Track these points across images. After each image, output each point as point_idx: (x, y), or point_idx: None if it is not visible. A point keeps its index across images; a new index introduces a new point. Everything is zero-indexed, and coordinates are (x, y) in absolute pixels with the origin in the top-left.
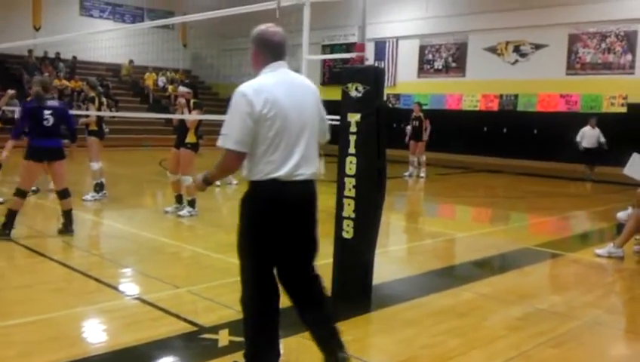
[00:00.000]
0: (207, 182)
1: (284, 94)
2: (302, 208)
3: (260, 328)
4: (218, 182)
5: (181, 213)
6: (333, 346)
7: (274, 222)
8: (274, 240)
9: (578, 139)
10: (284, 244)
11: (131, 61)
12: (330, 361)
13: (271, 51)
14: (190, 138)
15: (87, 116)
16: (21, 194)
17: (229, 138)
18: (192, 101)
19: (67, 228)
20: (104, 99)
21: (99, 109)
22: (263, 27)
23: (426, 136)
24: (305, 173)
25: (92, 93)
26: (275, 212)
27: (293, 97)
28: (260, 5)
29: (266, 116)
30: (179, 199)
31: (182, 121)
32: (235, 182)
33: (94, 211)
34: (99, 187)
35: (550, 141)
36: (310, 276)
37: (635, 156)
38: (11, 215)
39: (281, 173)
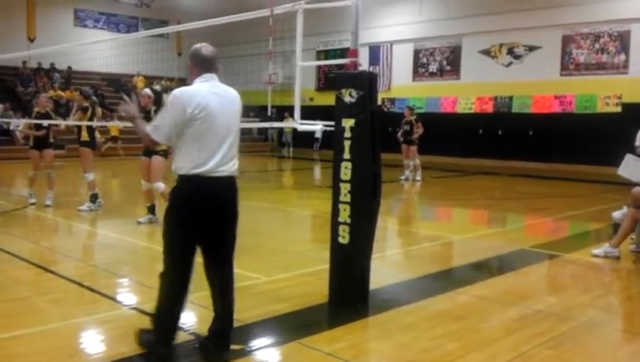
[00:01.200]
0: (133, 120)
1: (214, 101)
2: (221, 202)
3: (169, 301)
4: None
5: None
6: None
7: (194, 213)
8: (193, 229)
9: (637, 143)
10: (203, 234)
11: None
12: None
13: (203, 65)
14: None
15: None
16: None
17: (159, 131)
18: (153, 108)
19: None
20: (99, 109)
21: (91, 119)
22: (198, 45)
23: (414, 137)
24: (225, 170)
25: (85, 103)
26: (196, 204)
27: (222, 104)
28: (253, 13)
29: (196, 117)
30: (152, 209)
31: None
32: None
33: (90, 221)
34: (94, 197)
35: (546, 142)
36: (226, 272)
37: (628, 157)
38: None
39: (203, 169)
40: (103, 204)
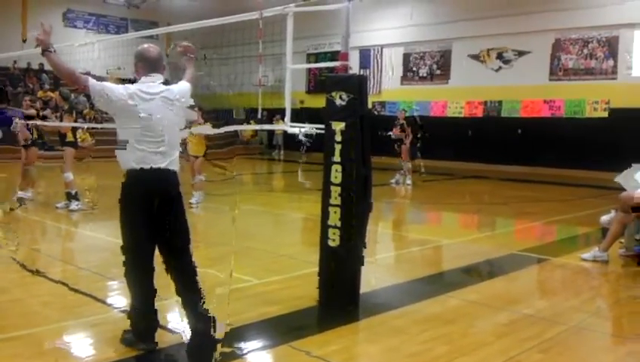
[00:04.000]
0: (46, 48)
1: (155, 99)
2: (165, 193)
3: (134, 280)
4: (193, 200)
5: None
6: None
7: (142, 203)
8: (142, 218)
9: None
10: (153, 224)
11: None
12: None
13: (149, 64)
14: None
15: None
16: None
17: (94, 82)
18: None
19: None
20: (88, 110)
21: (76, 120)
22: (145, 46)
23: (407, 141)
24: (164, 162)
25: (65, 105)
26: (144, 195)
27: (161, 102)
28: (243, 15)
29: (135, 109)
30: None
31: None
32: (194, 200)
33: (80, 224)
34: (73, 197)
35: (534, 146)
36: (183, 262)
37: (635, 167)
38: None
39: (146, 162)
40: (96, 205)
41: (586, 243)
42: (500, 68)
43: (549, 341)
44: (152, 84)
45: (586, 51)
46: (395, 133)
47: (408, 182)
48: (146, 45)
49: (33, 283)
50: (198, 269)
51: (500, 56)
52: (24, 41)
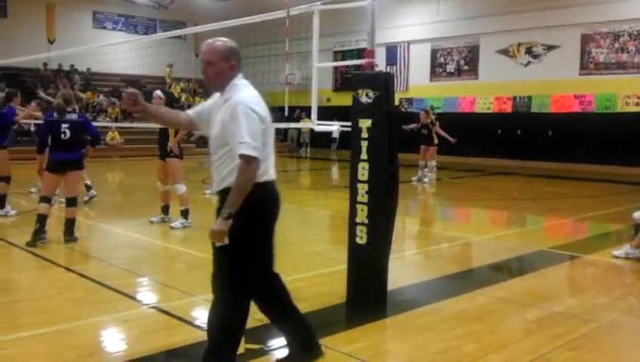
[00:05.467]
0: (231, 216)
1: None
2: (279, 204)
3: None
4: (208, 190)
5: (173, 224)
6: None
7: (273, 221)
8: (271, 238)
9: None
10: (271, 238)
11: (170, 65)
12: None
13: (240, 65)
14: (173, 145)
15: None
16: (45, 200)
17: (249, 145)
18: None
19: (68, 236)
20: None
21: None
22: (231, 41)
23: (436, 139)
24: (275, 174)
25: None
26: (275, 210)
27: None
28: (270, 14)
29: (266, 121)
30: (165, 210)
31: (162, 130)
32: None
33: (110, 221)
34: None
35: (565, 142)
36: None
37: None
38: (41, 219)
39: (271, 173)
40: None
41: (618, 240)
42: (529, 63)
43: (580, 338)
44: (248, 85)
45: (617, 45)
46: (437, 130)
47: (426, 179)
48: (232, 41)
49: (63, 279)
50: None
51: (529, 51)
52: (51, 42)
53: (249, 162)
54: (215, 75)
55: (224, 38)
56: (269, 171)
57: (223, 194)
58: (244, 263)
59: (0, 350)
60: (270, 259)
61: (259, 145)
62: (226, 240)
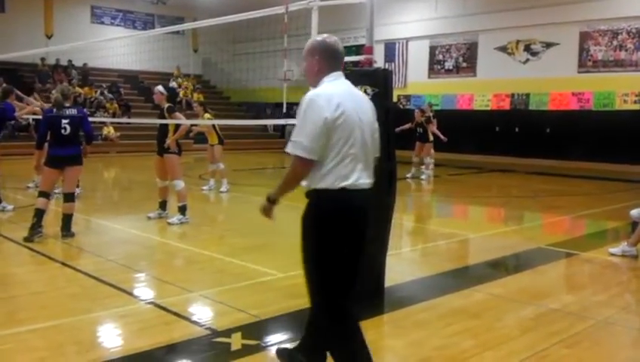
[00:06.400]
0: (273, 201)
1: (350, 103)
2: (365, 217)
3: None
4: (206, 186)
5: (170, 220)
6: None
7: (346, 232)
8: (347, 252)
9: None
10: (350, 257)
11: (178, 67)
12: None
13: (334, 60)
14: (171, 143)
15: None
16: (43, 195)
17: (299, 145)
18: (166, 106)
19: (65, 232)
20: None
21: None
22: (322, 37)
23: (432, 137)
24: (366, 182)
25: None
26: (346, 221)
27: (357, 108)
28: (268, 10)
29: (336, 123)
30: (163, 205)
31: (161, 127)
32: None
33: (107, 216)
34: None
35: (563, 139)
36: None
37: None
38: (38, 214)
39: (349, 181)
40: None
41: (614, 237)
42: (528, 60)
43: (576, 336)
44: (337, 82)
45: (615, 42)
46: (432, 128)
47: (423, 177)
48: (322, 37)
49: (60, 274)
50: (224, 258)
51: (527, 49)
52: (49, 37)
53: (297, 162)
54: (306, 71)
55: (323, 35)
56: (342, 177)
57: (307, 196)
58: (315, 282)
59: (0, 345)
60: (336, 285)
61: (313, 146)
62: (273, 218)
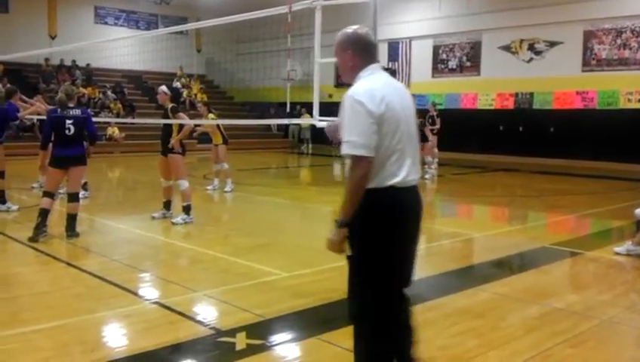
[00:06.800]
0: (345, 224)
1: (394, 96)
2: (416, 216)
3: None
4: (210, 186)
5: (175, 220)
6: None
7: (396, 233)
8: (396, 253)
9: None
10: (400, 258)
11: (181, 67)
12: None
13: (368, 53)
14: (175, 143)
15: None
16: (47, 195)
17: (354, 144)
18: (169, 106)
19: (69, 232)
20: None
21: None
22: (352, 29)
23: (432, 137)
24: (415, 178)
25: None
26: (397, 221)
27: (401, 100)
28: (271, 10)
29: (383, 117)
30: (167, 205)
31: (165, 127)
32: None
33: (111, 216)
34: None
35: (567, 138)
36: (405, 297)
37: None
38: (43, 214)
39: (397, 179)
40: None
41: (619, 236)
42: (532, 59)
43: (581, 335)
44: (376, 75)
45: (619, 41)
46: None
47: (427, 176)
48: (353, 28)
49: (65, 274)
50: (228, 258)
51: (531, 48)
52: (53, 38)
53: (356, 162)
54: (340, 67)
55: (354, 26)
56: (391, 174)
57: None
58: (363, 285)
59: (5, 344)
60: (387, 284)
61: (368, 143)
62: (347, 251)
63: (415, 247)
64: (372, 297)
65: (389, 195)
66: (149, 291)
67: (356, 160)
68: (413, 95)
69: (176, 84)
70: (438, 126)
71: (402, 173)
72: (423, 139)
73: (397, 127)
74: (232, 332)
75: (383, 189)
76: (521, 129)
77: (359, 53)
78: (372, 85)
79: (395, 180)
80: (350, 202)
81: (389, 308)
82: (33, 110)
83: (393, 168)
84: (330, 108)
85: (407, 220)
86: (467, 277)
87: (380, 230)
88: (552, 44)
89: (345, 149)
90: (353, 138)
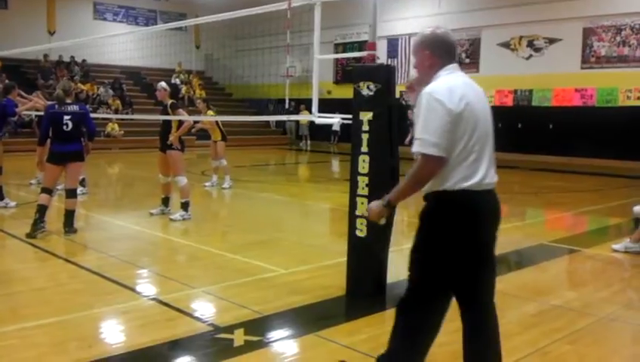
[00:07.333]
0: (391, 205)
1: (472, 96)
2: (491, 222)
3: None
4: (208, 182)
5: (173, 216)
6: None
7: (466, 237)
8: (462, 257)
9: None
10: (469, 262)
11: (180, 64)
12: None
13: (447, 53)
14: (174, 139)
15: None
16: (45, 191)
17: (426, 142)
18: (169, 102)
19: (67, 228)
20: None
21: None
22: (430, 29)
23: None
24: (491, 182)
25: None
26: (467, 226)
27: (479, 101)
28: (271, 6)
29: (460, 117)
30: (165, 201)
31: (164, 123)
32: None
33: (109, 212)
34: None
35: (566, 136)
36: (488, 308)
37: None
38: (41, 209)
39: (472, 182)
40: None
41: (617, 233)
42: (531, 56)
43: (578, 332)
44: (456, 75)
45: (618, 38)
46: None
47: None
48: (432, 29)
49: (63, 271)
50: (226, 255)
51: (530, 44)
52: (52, 34)
53: (426, 161)
54: (417, 67)
55: (432, 26)
56: (466, 177)
57: (425, 199)
58: (417, 283)
59: (4, 340)
60: (441, 285)
61: (441, 142)
62: (382, 221)
63: (490, 254)
64: (416, 294)
65: (462, 199)
66: (147, 287)
67: (426, 158)
68: None
69: (175, 81)
70: None
71: (478, 176)
72: None
73: (475, 127)
74: (230, 329)
75: (456, 192)
76: (519, 126)
77: (437, 52)
78: (451, 84)
79: (469, 183)
80: (403, 194)
81: (428, 308)
82: (31, 105)
83: (468, 171)
84: (329, 105)
85: (480, 226)
86: None
87: (447, 233)
88: (552, 41)
89: (416, 147)
90: (426, 136)
